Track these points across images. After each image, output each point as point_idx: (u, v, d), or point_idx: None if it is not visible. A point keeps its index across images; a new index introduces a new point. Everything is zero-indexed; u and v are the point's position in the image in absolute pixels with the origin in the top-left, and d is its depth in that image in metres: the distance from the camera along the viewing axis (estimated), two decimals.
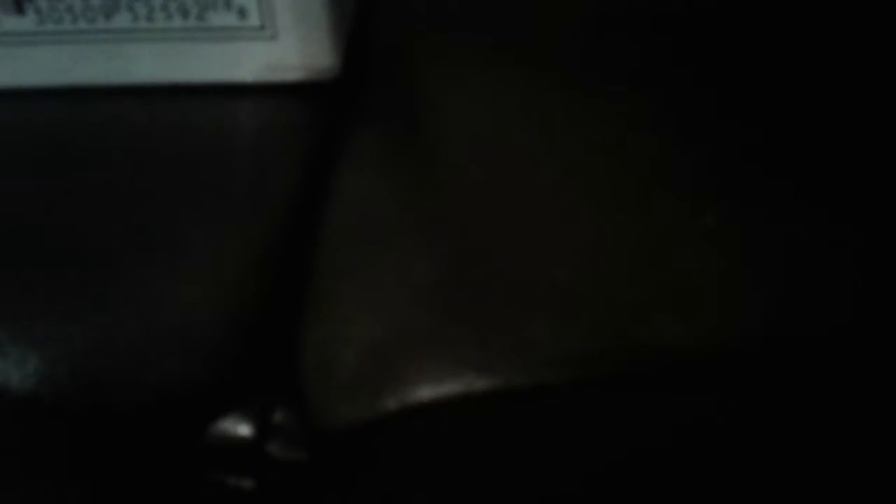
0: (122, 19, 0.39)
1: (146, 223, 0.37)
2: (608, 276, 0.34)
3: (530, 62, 0.39)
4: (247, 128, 0.40)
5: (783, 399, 0.33)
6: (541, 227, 0.35)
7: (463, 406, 0.33)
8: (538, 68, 0.39)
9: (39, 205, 0.38)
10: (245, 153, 0.39)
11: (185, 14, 0.39)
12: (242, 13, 0.39)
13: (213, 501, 0.36)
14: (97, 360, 0.35)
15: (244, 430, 0.35)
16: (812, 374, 0.33)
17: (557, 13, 0.41)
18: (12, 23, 0.39)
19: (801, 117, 0.37)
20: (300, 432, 0.35)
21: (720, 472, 0.33)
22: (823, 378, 0.33)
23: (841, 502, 0.32)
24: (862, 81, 0.38)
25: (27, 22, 0.39)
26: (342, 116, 0.40)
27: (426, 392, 0.33)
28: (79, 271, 0.36)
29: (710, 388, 0.33)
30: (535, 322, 0.33)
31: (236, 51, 0.39)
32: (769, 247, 0.34)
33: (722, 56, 0.39)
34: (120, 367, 0.35)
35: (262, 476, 0.35)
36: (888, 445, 0.33)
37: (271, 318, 0.36)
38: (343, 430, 0.34)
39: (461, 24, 0.41)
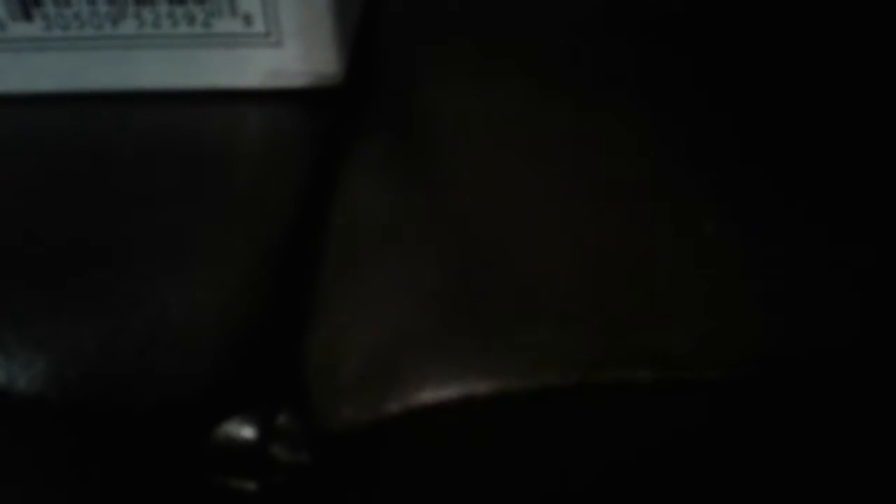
0: (128, 26, 0.39)
1: (151, 227, 0.37)
2: (608, 282, 0.34)
3: (532, 68, 0.40)
4: (251, 133, 0.40)
5: (780, 406, 0.33)
6: (542, 232, 0.35)
7: (464, 409, 0.33)
8: (540, 74, 0.39)
9: (46, 208, 0.38)
10: (250, 158, 0.39)
11: (191, 21, 0.39)
12: (248, 20, 0.39)
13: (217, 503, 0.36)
14: (103, 363, 0.35)
15: (248, 432, 0.35)
16: (809, 379, 0.33)
17: (559, 18, 0.41)
18: (20, 29, 0.40)
19: (803, 124, 0.37)
20: (304, 435, 0.35)
21: (717, 477, 0.33)
22: (820, 384, 0.33)
23: None
24: (866, 87, 0.38)
25: (35, 28, 0.40)
26: (346, 122, 0.40)
27: (428, 395, 0.33)
28: (85, 274, 0.36)
29: (708, 394, 0.33)
30: (536, 326, 0.33)
31: (241, 57, 0.40)
32: (768, 255, 0.34)
33: (723, 60, 0.39)
34: (125, 369, 0.35)
35: (266, 478, 0.35)
36: (883, 455, 0.33)
37: (275, 321, 0.36)
38: (346, 433, 0.34)
39: (463, 30, 0.42)
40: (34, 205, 0.38)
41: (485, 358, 0.33)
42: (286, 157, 0.39)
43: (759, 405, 0.33)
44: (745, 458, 0.33)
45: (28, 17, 0.39)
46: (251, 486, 0.35)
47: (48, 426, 0.35)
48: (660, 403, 0.33)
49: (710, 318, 0.33)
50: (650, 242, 0.34)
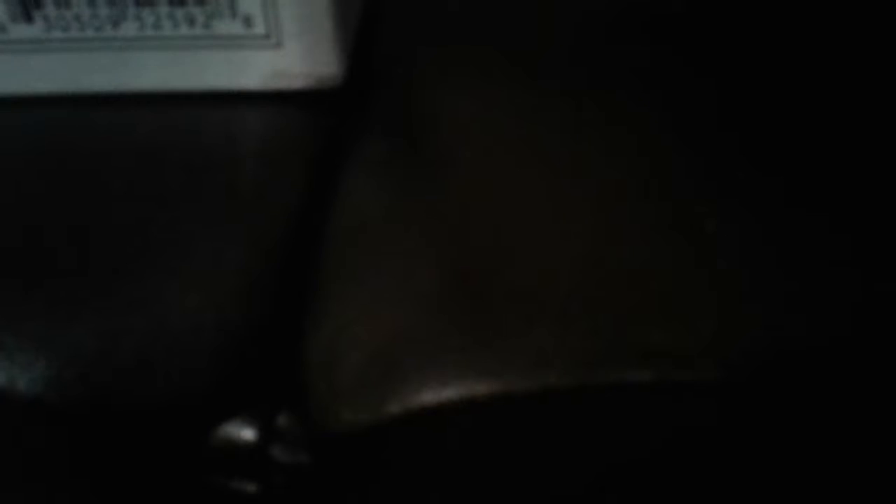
0: (129, 27, 0.39)
1: (152, 228, 0.37)
2: (609, 281, 0.34)
3: (531, 67, 0.40)
4: (252, 135, 0.40)
5: (780, 406, 0.33)
6: (542, 232, 0.35)
7: (465, 410, 0.33)
8: (539, 74, 0.39)
9: (47, 210, 0.38)
10: (250, 160, 0.40)
11: (191, 22, 0.39)
12: (248, 21, 0.39)
13: None
14: (103, 364, 0.35)
15: (248, 433, 0.35)
16: (810, 380, 0.33)
17: (558, 18, 0.41)
18: (21, 30, 0.40)
19: (803, 121, 0.37)
20: (304, 436, 0.35)
21: (717, 477, 0.33)
22: (821, 384, 0.33)
23: None
24: (865, 83, 0.38)
25: (35, 29, 0.40)
26: (346, 123, 0.40)
27: (429, 396, 0.33)
28: (85, 276, 0.36)
29: (709, 394, 0.33)
30: (537, 326, 0.33)
31: (242, 59, 0.40)
32: (769, 253, 0.34)
33: (723, 58, 0.39)
34: (125, 371, 0.35)
35: (266, 479, 0.35)
36: (884, 455, 0.33)
37: (275, 322, 0.36)
38: (346, 434, 0.34)
39: (463, 31, 0.42)
40: (34, 206, 0.38)
41: (485, 358, 0.33)
42: (286, 159, 0.39)
43: (759, 405, 0.33)
44: (746, 458, 0.33)
45: (29, 18, 0.39)
46: (251, 487, 0.35)
47: (47, 427, 0.35)
48: (660, 403, 0.33)
49: (710, 318, 0.33)
50: (650, 242, 0.34)
